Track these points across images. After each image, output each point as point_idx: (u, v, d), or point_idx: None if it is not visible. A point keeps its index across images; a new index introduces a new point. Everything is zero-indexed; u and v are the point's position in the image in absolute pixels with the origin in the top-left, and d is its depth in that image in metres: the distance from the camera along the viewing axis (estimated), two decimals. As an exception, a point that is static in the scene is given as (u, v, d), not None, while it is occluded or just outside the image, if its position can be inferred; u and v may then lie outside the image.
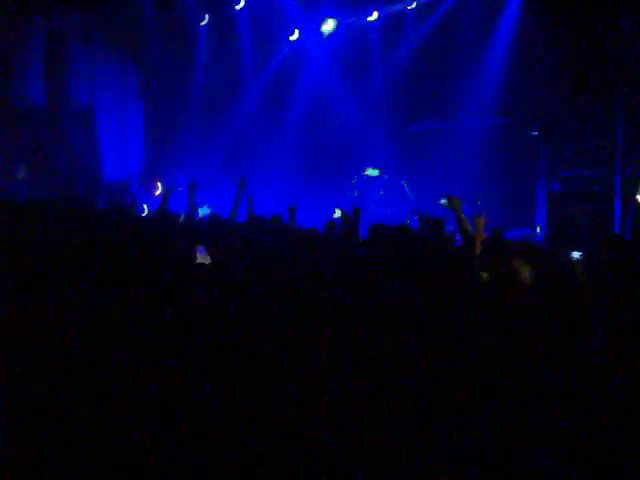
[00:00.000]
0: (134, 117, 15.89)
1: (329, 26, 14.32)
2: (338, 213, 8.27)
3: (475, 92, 12.95)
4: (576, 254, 4.48)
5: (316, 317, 3.16)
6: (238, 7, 14.50)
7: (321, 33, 14.48)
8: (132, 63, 15.73)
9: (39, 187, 12.97)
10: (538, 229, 11.17)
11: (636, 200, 9.21)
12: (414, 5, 13.61)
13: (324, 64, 14.73)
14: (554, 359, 2.53)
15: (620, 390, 2.46)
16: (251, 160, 14.32)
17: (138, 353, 2.93)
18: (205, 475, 2.70)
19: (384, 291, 3.30)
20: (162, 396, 2.83)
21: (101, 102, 14.97)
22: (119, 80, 15.52)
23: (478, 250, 4.18)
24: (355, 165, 13.75)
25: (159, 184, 13.35)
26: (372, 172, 13.54)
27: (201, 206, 10.25)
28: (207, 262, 3.40)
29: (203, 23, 15.06)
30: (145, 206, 11.28)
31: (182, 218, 6.06)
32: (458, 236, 5.99)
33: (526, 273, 3.96)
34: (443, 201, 4.69)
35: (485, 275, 3.97)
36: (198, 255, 3.42)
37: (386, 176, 13.46)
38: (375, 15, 13.96)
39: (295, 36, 14.69)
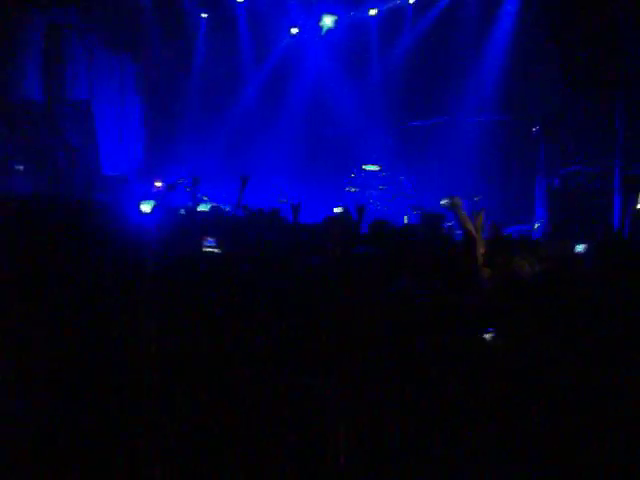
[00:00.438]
0: (133, 111, 15.84)
1: (328, 21, 14.29)
2: (338, 209, 8.26)
3: (475, 88, 12.94)
4: (580, 247, 4.46)
5: (317, 313, 3.15)
6: (240, 0, 14.46)
7: (320, 27, 14.45)
8: (130, 56, 15.66)
9: (38, 182, 12.92)
10: (536, 225, 11.16)
11: (637, 196, 9.21)
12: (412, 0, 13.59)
13: (323, 59, 14.71)
14: (562, 353, 2.53)
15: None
16: (250, 154, 14.29)
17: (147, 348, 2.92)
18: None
19: (388, 287, 3.28)
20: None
21: (99, 96, 14.91)
22: (117, 74, 15.46)
23: (479, 247, 4.16)
24: (354, 160, 13.73)
25: (158, 181, 13.32)
26: (371, 167, 13.51)
27: (202, 201, 10.23)
28: (216, 251, 3.45)
29: (203, 15, 15.01)
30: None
31: (183, 212, 6.05)
32: (457, 231, 5.98)
33: (528, 268, 3.95)
34: (444, 201, 4.65)
35: (487, 271, 3.97)
36: (207, 245, 3.45)
37: (385, 172, 13.44)
38: (374, 10, 13.93)
39: (295, 30, 14.66)
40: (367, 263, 4.01)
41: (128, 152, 15.50)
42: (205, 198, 10.97)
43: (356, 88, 14.20)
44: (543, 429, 2.56)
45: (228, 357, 3.00)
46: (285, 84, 14.84)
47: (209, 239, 3.53)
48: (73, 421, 2.77)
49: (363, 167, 13.53)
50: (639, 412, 2.47)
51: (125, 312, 3.26)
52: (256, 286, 3.43)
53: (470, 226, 4.47)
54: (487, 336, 2.73)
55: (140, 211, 9.23)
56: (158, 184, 13.50)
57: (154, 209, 8.33)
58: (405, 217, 11.86)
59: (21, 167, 13.04)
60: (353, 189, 13.44)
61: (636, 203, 9.28)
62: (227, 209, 6.85)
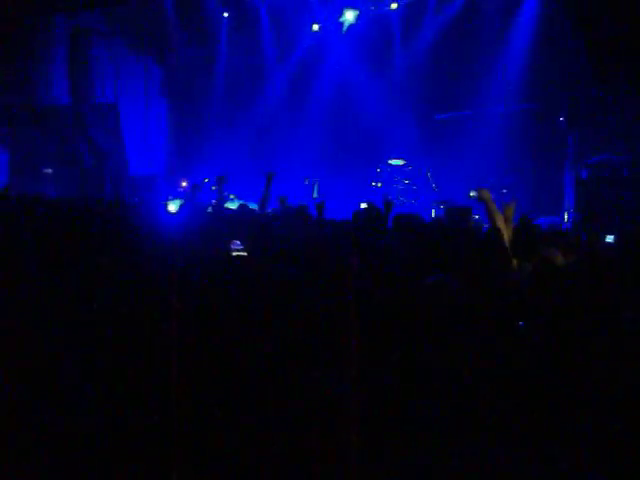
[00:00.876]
0: (158, 112, 16.00)
1: (350, 16, 14.26)
2: (364, 205, 8.25)
3: (500, 78, 12.81)
4: (610, 237, 4.42)
5: (345, 308, 3.15)
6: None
7: (342, 23, 14.43)
8: (155, 58, 15.81)
9: (67, 184, 13.10)
10: (566, 216, 11.03)
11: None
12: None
13: (347, 54, 14.68)
14: (596, 345, 2.50)
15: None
16: (275, 151, 14.34)
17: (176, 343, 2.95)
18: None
19: (418, 282, 3.27)
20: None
21: (125, 98, 15.07)
22: (142, 76, 15.62)
23: (509, 239, 4.13)
24: (380, 155, 13.69)
25: (184, 181, 13.44)
26: (397, 162, 13.46)
27: (229, 199, 10.30)
28: (243, 255, 3.40)
29: (225, 15, 15.07)
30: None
31: (210, 209, 6.09)
32: (484, 224, 5.94)
33: (559, 259, 3.91)
34: (473, 193, 4.62)
35: (516, 262, 3.94)
36: (234, 248, 3.41)
37: (411, 166, 13.37)
38: (396, 4, 13.86)
39: (316, 27, 14.65)
40: (397, 257, 4.01)
41: (155, 153, 15.66)
42: (232, 197, 11.03)
43: (380, 82, 14.15)
44: (584, 423, 2.54)
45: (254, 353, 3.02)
46: (309, 80, 14.85)
47: (236, 242, 3.50)
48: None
49: (388, 162, 13.48)
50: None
51: (152, 310, 3.30)
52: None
53: (499, 218, 4.44)
54: (521, 328, 2.71)
55: (167, 210, 9.35)
56: (184, 184, 13.63)
57: (180, 208, 8.41)
58: (433, 211, 11.79)
59: (50, 170, 13.24)
60: (379, 184, 13.41)
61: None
62: (254, 207, 6.87)
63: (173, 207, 9.88)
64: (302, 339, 3.04)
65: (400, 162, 13.42)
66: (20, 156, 13.63)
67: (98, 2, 14.50)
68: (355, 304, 2.97)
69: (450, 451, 2.58)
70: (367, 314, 3.08)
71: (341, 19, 14.41)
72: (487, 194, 4.77)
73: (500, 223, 4.46)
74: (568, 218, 10.91)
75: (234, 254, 3.43)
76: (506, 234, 4.27)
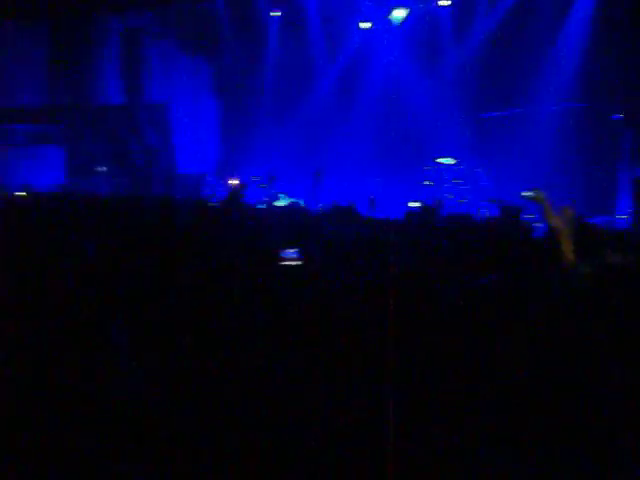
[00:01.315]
0: (208, 111, 16.18)
1: (400, 13, 14.17)
2: (415, 204, 8.18)
3: (551, 76, 12.58)
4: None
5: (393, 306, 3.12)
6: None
7: (391, 20, 14.36)
8: (205, 57, 16.00)
9: (118, 182, 13.37)
10: (624, 216, 10.74)
11: None
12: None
13: (395, 52, 14.61)
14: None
15: None
16: (325, 149, 14.34)
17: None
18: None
19: (474, 281, 3.23)
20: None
21: (175, 97, 15.29)
22: (192, 75, 15.82)
23: (568, 241, 4.05)
24: (429, 153, 13.57)
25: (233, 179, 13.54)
26: (446, 160, 13.31)
27: (279, 197, 10.34)
28: (295, 264, 3.32)
29: (274, 14, 15.14)
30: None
31: (264, 207, 6.13)
32: (538, 224, 5.83)
33: (619, 259, 3.81)
34: (527, 193, 4.54)
35: (575, 264, 3.85)
36: (286, 257, 3.31)
37: (461, 165, 13.21)
38: (446, 1, 13.72)
39: (365, 25, 14.60)
40: (451, 257, 3.97)
41: (205, 151, 15.84)
42: (282, 195, 11.08)
43: (429, 80, 14.03)
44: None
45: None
46: (358, 79, 14.81)
47: (288, 250, 3.37)
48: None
49: (437, 160, 13.34)
50: None
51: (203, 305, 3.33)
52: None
53: (556, 219, 4.35)
54: (580, 327, 2.65)
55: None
56: (233, 181, 13.74)
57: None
58: (485, 210, 11.62)
59: (104, 168, 13.52)
60: (429, 182, 13.28)
61: None
62: (302, 203, 6.91)
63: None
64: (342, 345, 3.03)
65: (451, 161, 13.27)
66: (74, 155, 13.97)
67: (148, 3, 14.74)
68: (398, 307, 2.95)
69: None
70: (413, 316, 3.05)
71: (390, 17, 14.34)
72: (542, 195, 4.69)
73: (557, 223, 4.37)
74: (628, 218, 10.63)
75: (285, 262, 3.34)
76: (564, 235, 4.18)
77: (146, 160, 14.40)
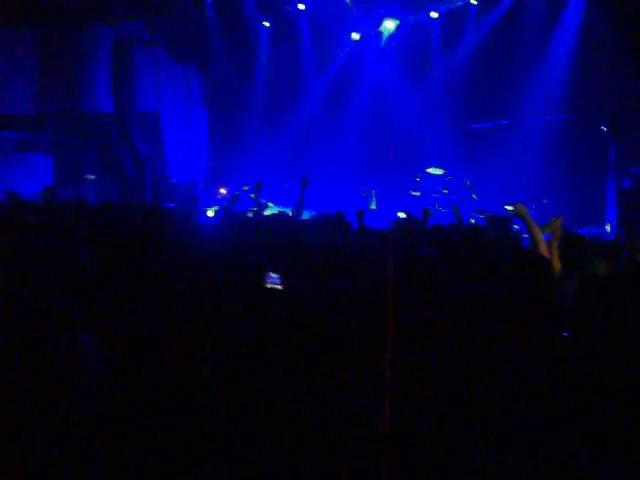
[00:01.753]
0: (198, 120, 16.21)
1: (389, 25, 14.26)
2: (402, 214, 8.21)
3: (539, 88, 12.69)
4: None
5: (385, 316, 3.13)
6: (301, 7, 14.45)
7: (381, 32, 14.44)
8: (195, 67, 16.04)
9: (108, 190, 13.32)
10: (609, 227, 10.83)
11: None
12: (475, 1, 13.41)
13: (385, 63, 14.69)
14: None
15: None
16: (314, 159, 14.38)
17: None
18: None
19: (456, 290, 3.25)
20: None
21: (166, 106, 15.29)
22: (183, 84, 15.85)
23: (555, 251, 4.10)
24: (417, 164, 13.63)
25: (223, 188, 13.56)
26: (435, 171, 13.37)
27: (267, 206, 10.35)
28: (278, 288, 3.30)
29: (265, 24, 15.19)
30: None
31: (250, 215, 6.12)
32: (524, 235, 5.88)
33: (604, 270, 3.85)
34: (509, 207, 4.63)
35: (563, 274, 3.89)
36: (269, 281, 3.29)
37: (450, 176, 13.27)
38: (436, 13, 13.82)
39: (356, 36, 14.68)
40: (432, 265, 3.97)
41: (194, 160, 15.84)
42: (270, 204, 11.09)
43: (419, 91, 14.12)
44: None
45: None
46: (347, 89, 14.88)
47: (272, 275, 3.35)
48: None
49: (427, 170, 13.40)
50: None
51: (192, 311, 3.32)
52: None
53: (537, 231, 4.41)
54: (566, 338, 2.67)
55: (206, 216, 9.45)
56: (222, 191, 13.75)
57: (217, 213, 8.48)
58: (472, 220, 11.69)
59: (93, 177, 13.47)
60: (417, 193, 13.34)
61: None
62: (290, 212, 6.91)
63: (211, 212, 9.99)
64: (338, 352, 3.03)
65: (439, 171, 13.33)
66: (63, 162, 13.91)
67: (140, 12, 14.75)
68: (394, 316, 2.96)
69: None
70: (406, 325, 3.06)
71: (380, 28, 14.42)
72: (523, 209, 4.78)
73: (539, 235, 4.44)
74: (611, 229, 10.72)
75: (269, 286, 3.32)
76: (552, 246, 4.23)
77: (136, 168, 14.36)
